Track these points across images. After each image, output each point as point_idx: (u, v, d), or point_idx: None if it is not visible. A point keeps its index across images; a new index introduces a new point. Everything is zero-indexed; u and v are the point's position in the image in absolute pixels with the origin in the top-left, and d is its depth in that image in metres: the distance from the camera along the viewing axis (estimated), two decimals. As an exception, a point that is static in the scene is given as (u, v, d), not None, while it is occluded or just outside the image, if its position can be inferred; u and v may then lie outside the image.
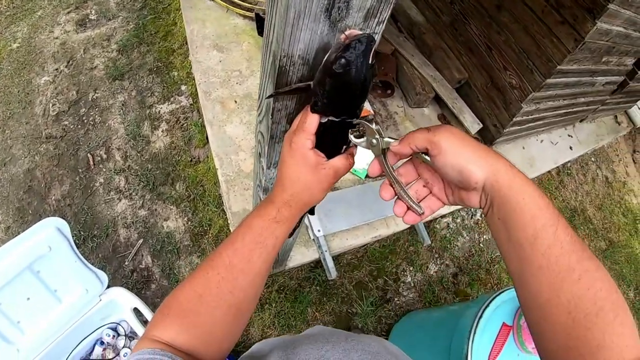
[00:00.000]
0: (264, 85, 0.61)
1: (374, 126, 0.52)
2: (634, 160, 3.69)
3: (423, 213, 0.51)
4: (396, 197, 0.52)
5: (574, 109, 2.58)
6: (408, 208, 0.51)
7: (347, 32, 0.48)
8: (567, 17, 1.74)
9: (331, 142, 0.57)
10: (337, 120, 0.53)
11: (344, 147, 0.60)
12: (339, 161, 0.55)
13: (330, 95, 0.50)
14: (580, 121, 3.00)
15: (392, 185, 0.52)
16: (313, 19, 0.45)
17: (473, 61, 2.28)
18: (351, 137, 0.54)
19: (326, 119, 0.53)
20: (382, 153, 0.52)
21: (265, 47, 0.56)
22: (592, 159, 3.27)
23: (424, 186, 0.53)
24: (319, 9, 0.44)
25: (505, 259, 0.45)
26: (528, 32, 1.92)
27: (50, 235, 1.18)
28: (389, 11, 0.50)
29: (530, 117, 2.25)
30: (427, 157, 0.47)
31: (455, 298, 2.17)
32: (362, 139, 0.53)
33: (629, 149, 3.74)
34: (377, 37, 0.52)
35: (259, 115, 0.70)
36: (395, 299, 2.06)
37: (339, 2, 0.44)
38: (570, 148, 2.82)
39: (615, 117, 3.49)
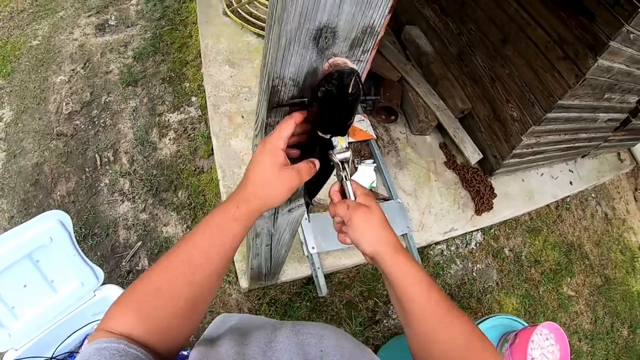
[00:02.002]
0: (260, 103, 0.67)
1: (346, 155, 0.62)
2: (635, 198, 3.69)
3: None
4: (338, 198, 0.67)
5: (576, 145, 2.59)
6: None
7: (330, 61, 0.53)
8: (569, 53, 1.76)
9: (305, 148, 0.64)
10: (325, 137, 0.59)
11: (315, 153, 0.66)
12: (302, 165, 0.60)
13: (317, 115, 0.56)
14: (582, 157, 3.01)
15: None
16: (302, 46, 0.51)
17: (477, 92, 2.31)
18: (334, 156, 0.62)
19: (321, 135, 0.59)
20: (340, 183, 0.65)
21: (263, 68, 0.61)
22: (593, 195, 3.27)
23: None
24: (308, 38, 0.50)
25: (395, 307, 0.62)
26: (531, 66, 1.95)
27: (52, 226, 1.20)
28: (375, 42, 0.55)
29: (530, 150, 2.27)
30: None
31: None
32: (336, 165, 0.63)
33: (631, 186, 3.74)
34: (363, 65, 0.58)
35: (255, 129, 0.75)
36: (384, 321, 2.07)
37: (325, 32, 0.50)
38: (571, 183, 2.83)
39: (619, 154, 3.49)
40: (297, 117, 0.58)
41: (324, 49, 0.53)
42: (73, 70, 2.57)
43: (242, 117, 2.08)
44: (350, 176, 0.64)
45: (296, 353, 0.57)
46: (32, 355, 1.27)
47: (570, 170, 2.90)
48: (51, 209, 2.10)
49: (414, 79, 2.35)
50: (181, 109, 2.37)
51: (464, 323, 0.54)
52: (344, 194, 0.65)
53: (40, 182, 2.12)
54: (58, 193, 2.10)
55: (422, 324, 0.55)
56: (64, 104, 2.43)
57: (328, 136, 0.58)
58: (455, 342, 0.53)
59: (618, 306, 2.90)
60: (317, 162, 0.64)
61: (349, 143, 0.62)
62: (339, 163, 0.61)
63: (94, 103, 2.43)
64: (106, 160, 2.23)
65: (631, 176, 3.77)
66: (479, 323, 1.35)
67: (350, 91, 0.51)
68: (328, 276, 1.92)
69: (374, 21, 0.51)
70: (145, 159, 2.22)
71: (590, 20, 1.64)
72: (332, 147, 0.60)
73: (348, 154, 0.61)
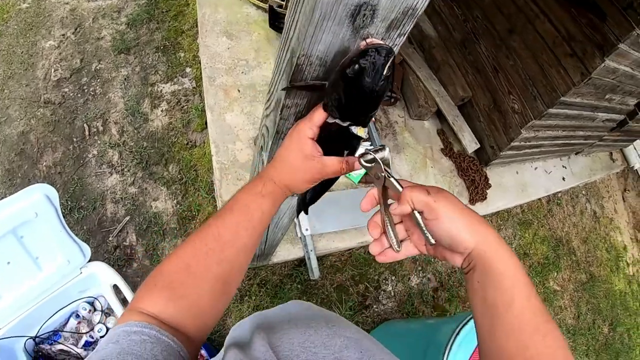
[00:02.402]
0: (277, 80, 0.61)
1: (385, 154, 0.53)
2: (623, 199, 3.75)
3: (398, 252, 0.53)
4: (379, 235, 0.53)
5: (572, 141, 2.60)
6: (388, 246, 0.53)
7: (367, 40, 0.48)
8: (577, 51, 1.75)
9: (332, 143, 0.58)
10: (343, 125, 0.54)
11: (345, 152, 0.60)
12: (330, 160, 0.57)
13: (340, 99, 0.50)
14: (576, 154, 3.03)
15: (382, 222, 0.53)
16: (337, 22, 0.46)
17: (478, 81, 2.29)
18: (361, 160, 0.55)
19: (333, 120, 0.54)
20: (382, 188, 0.53)
21: (283, 42, 0.56)
22: (583, 192, 3.31)
23: (406, 230, 0.55)
24: (345, 14, 0.45)
25: (477, 314, 0.49)
26: (536, 59, 1.93)
27: (38, 201, 1.17)
28: (412, 25, 0.51)
29: (528, 143, 2.27)
30: (418, 216, 0.48)
31: (433, 312, 2.18)
32: (370, 165, 0.54)
33: (620, 187, 3.80)
34: (396, 50, 0.53)
35: (267, 108, 0.70)
36: (374, 306, 2.07)
37: (365, 10, 0.45)
38: (563, 179, 2.85)
39: (611, 154, 3.53)
40: None
41: (359, 28, 0.48)
42: (63, 35, 2.45)
43: (239, 90, 2.01)
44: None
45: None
46: (16, 335, 1.24)
47: (563, 166, 2.92)
48: (36, 180, 2.06)
49: (416, 63, 2.30)
50: (175, 80, 2.29)
51: (556, 338, 0.45)
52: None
53: (25, 151, 2.04)
54: (44, 163, 2.02)
55: (513, 333, 0.45)
56: (53, 70, 2.33)
57: (347, 124, 0.53)
58: (542, 358, 0.45)
59: (601, 303, 2.97)
60: (349, 162, 0.59)
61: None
62: (380, 162, 0.52)
63: (83, 70, 2.34)
64: (95, 130, 2.15)
65: (621, 176, 3.82)
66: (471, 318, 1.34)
67: (385, 73, 0.47)
68: (320, 259, 1.90)
69: (417, 2, 0.47)
70: (135, 131, 2.14)
71: (602, 19, 1.62)
72: (351, 139, 0.54)
73: (387, 152, 0.54)
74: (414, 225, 0.52)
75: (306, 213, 0.73)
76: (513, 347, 0.45)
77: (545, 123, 2.09)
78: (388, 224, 0.52)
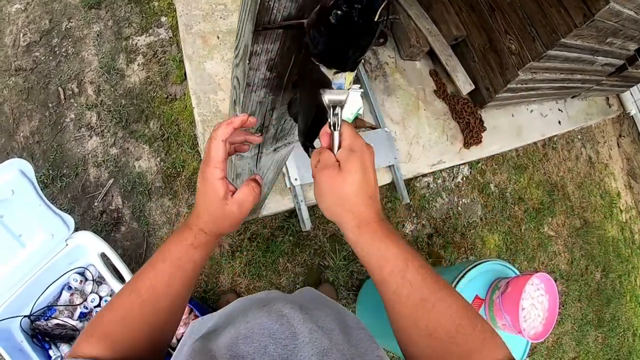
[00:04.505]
0: (243, 23, 0.51)
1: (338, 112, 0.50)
2: (618, 145, 3.72)
3: None
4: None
5: (569, 85, 2.54)
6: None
7: None
8: None
9: (310, 90, 0.52)
10: (328, 75, 0.46)
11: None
12: (242, 194, 0.56)
13: (323, 44, 0.42)
14: (573, 97, 2.97)
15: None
16: None
17: (473, 19, 2.18)
18: (324, 97, 0.50)
19: (317, 63, 0.46)
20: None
21: None
22: (579, 136, 3.27)
23: None
24: None
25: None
26: (536, -2, 1.84)
27: (13, 178, 1.15)
28: None
29: (524, 85, 2.20)
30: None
31: (429, 259, 2.18)
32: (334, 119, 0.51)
33: (616, 132, 3.76)
34: None
35: (236, 57, 0.60)
36: (369, 256, 2.06)
37: None
38: (559, 122, 2.80)
39: (607, 98, 3.47)
40: (237, 121, 0.53)
41: None
42: (29, -4, 2.28)
43: (218, 37, 1.89)
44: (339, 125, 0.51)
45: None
46: (10, 316, 1.24)
47: (559, 110, 2.85)
48: (15, 153, 1.97)
49: (406, 0, 2.17)
50: (150, 31, 2.15)
51: (450, 305, 0.46)
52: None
53: (1, 124, 1.94)
54: (21, 134, 1.93)
55: (400, 309, 0.48)
56: (21, 35, 2.18)
57: (332, 72, 0.45)
58: (438, 330, 0.46)
59: (594, 249, 3.00)
60: (258, 182, 0.59)
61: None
62: (330, 107, 0.49)
63: (53, 31, 2.19)
64: (70, 93, 2.05)
65: (617, 122, 3.78)
66: (473, 267, 1.33)
67: (378, 18, 0.38)
68: (312, 208, 1.86)
69: None
70: (112, 89, 2.04)
71: None
72: (328, 84, 0.47)
73: (343, 97, 0.48)
74: None
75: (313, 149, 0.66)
76: (404, 321, 0.48)
77: (544, 65, 2.03)
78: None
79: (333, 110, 0.49)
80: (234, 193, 0.56)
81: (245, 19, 0.49)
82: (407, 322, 0.48)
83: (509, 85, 2.11)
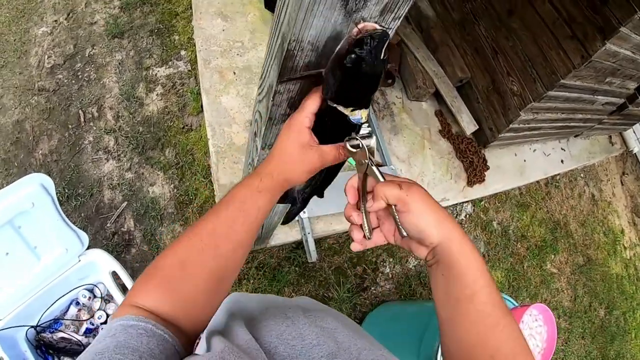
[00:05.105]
0: (268, 66, 0.59)
1: (371, 142, 0.54)
2: (622, 182, 3.75)
3: (370, 239, 0.54)
4: (360, 221, 0.54)
5: (571, 124, 2.59)
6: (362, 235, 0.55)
7: (360, 26, 0.46)
8: (578, 33, 1.73)
9: (332, 129, 0.57)
10: (345, 112, 0.53)
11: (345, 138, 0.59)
12: (327, 148, 0.57)
13: (340, 86, 0.50)
14: (575, 136, 3.02)
15: (358, 206, 0.54)
16: (329, 7, 0.44)
17: (477, 62, 2.27)
18: (347, 144, 0.55)
19: (334, 105, 0.53)
20: (364, 176, 0.54)
21: (274, 27, 0.54)
22: (582, 175, 3.30)
23: (377, 219, 0.56)
24: None
25: (439, 306, 0.51)
26: (536, 41, 1.91)
27: (34, 191, 1.17)
28: (407, 8, 0.49)
29: (527, 125, 2.26)
30: (394, 210, 0.50)
31: (430, 295, 2.19)
32: (354, 150, 0.55)
33: (619, 170, 3.79)
34: (391, 33, 0.52)
35: (260, 94, 0.69)
36: (372, 288, 2.08)
37: None
38: (562, 161, 2.85)
39: (610, 137, 3.52)
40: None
41: (352, 12, 0.46)
42: (56, 21, 2.41)
43: (234, 73, 1.99)
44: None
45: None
46: (17, 325, 1.25)
47: (562, 149, 2.91)
48: (33, 169, 2.05)
49: (414, 43, 2.27)
50: (170, 63, 2.26)
51: (514, 330, 0.48)
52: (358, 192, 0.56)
53: (21, 140, 2.02)
54: (40, 152, 2.01)
55: (474, 325, 0.47)
56: (46, 57, 2.29)
57: (349, 110, 0.52)
58: (501, 351, 0.47)
59: (597, 286, 2.98)
60: (343, 152, 0.58)
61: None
62: (365, 148, 0.53)
63: (77, 56, 2.30)
64: (90, 116, 2.13)
65: (620, 160, 3.81)
66: None
67: (383, 57, 0.46)
68: (318, 241, 1.90)
69: None
70: (131, 115, 2.12)
71: (603, 2, 1.60)
72: (350, 124, 0.53)
73: (373, 141, 0.54)
74: (385, 216, 0.55)
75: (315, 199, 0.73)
76: (474, 338, 0.48)
77: (545, 105, 2.09)
78: (363, 212, 0.53)
79: (369, 153, 0.53)
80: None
81: (272, 63, 0.57)
82: (478, 339, 0.47)
83: (511, 125, 2.16)
